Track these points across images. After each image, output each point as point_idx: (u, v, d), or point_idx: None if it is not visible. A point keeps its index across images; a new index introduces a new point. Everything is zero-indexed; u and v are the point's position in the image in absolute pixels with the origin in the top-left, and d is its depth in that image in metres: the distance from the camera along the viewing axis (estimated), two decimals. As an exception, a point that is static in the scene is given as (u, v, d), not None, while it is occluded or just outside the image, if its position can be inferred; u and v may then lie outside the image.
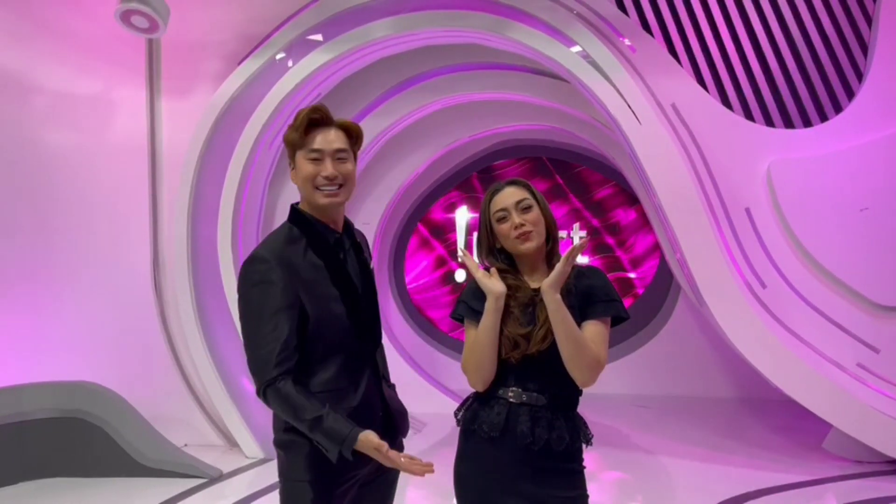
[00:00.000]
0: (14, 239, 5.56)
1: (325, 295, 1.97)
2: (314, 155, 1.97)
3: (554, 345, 1.91)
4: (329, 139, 1.98)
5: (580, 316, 1.97)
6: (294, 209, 2.05)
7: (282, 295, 1.90)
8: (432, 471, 1.80)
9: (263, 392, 1.89)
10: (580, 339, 1.90)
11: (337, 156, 1.98)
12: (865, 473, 4.94)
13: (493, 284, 1.97)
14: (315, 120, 1.98)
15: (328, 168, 1.96)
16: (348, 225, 2.14)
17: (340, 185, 1.99)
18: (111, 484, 4.85)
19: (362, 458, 1.96)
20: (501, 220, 2.04)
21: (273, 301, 1.90)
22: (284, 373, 1.87)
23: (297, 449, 1.96)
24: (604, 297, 1.99)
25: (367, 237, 2.37)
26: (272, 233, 2.07)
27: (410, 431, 2.21)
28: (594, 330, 1.96)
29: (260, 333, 1.90)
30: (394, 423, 2.06)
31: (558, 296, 1.89)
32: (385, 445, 1.81)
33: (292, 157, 2.01)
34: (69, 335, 5.69)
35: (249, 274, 1.95)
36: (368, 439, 1.81)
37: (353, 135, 2.04)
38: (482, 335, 1.97)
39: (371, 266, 2.15)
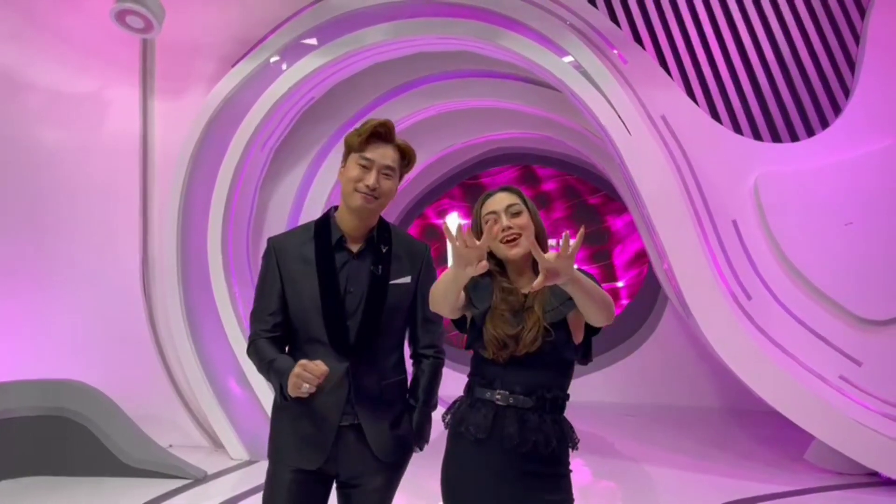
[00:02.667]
0: (4, 236, 5.54)
1: (305, 288, 2.11)
2: (365, 163, 2.12)
3: (541, 348, 1.93)
4: (384, 154, 2.13)
5: (567, 305, 1.97)
6: (328, 210, 2.24)
7: (271, 278, 2.17)
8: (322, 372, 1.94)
9: (248, 349, 2.20)
10: (600, 293, 1.87)
11: (384, 171, 2.13)
12: (846, 485, 4.98)
13: (470, 268, 1.83)
14: (378, 133, 2.13)
15: (372, 178, 2.10)
16: (380, 235, 2.18)
17: (376, 197, 2.11)
18: (95, 483, 4.83)
19: (308, 453, 2.07)
20: (490, 223, 2.06)
21: (264, 280, 2.19)
22: (263, 337, 2.15)
23: (271, 432, 2.20)
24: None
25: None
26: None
27: None
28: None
29: (255, 304, 2.20)
30: (367, 435, 2.09)
31: (574, 272, 1.80)
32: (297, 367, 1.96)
33: (346, 157, 2.18)
34: (56, 333, 5.67)
35: (263, 255, 2.24)
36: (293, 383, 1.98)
37: (407, 158, 2.21)
38: (443, 282, 1.93)
39: (390, 280, 2.14)
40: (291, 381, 1.95)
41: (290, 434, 2.11)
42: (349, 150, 2.16)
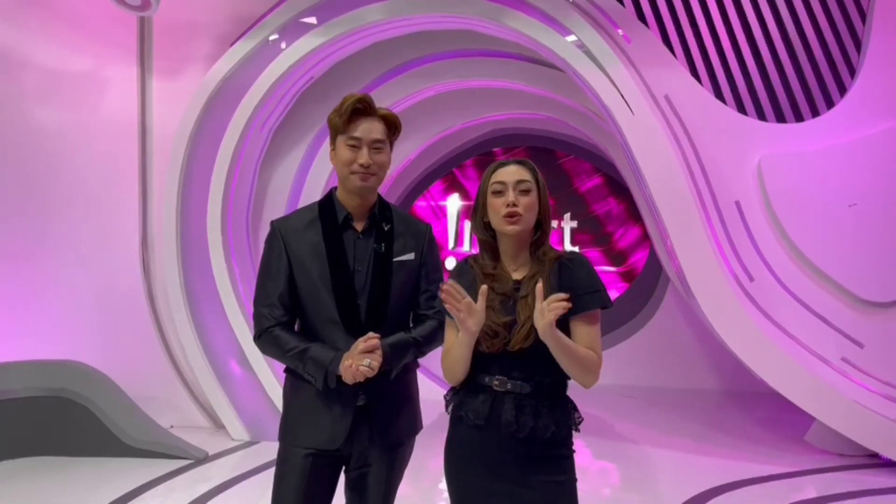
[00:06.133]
0: (2, 217, 5.51)
1: (314, 268, 2.11)
2: (353, 142, 2.11)
3: (536, 340, 1.88)
4: (369, 129, 2.12)
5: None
6: (330, 191, 2.24)
7: (277, 260, 2.14)
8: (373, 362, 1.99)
9: (259, 337, 2.16)
10: (582, 359, 1.89)
11: (374, 146, 2.12)
12: (846, 466, 5.00)
13: (469, 322, 1.87)
14: (359, 109, 2.13)
15: (364, 156, 2.10)
16: (381, 213, 2.20)
17: (373, 174, 2.11)
18: (96, 463, 4.85)
19: (327, 434, 2.09)
20: (497, 192, 2.00)
21: (271, 264, 2.16)
22: (277, 324, 2.12)
23: (284, 413, 2.20)
24: (588, 288, 1.96)
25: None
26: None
27: None
28: (586, 332, 1.94)
29: (260, 289, 2.17)
30: (375, 416, 2.12)
31: (556, 332, 1.82)
32: (348, 360, 2.00)
33: (333, 139, 2.17)
34: (56, 314, 5.66)
35: (266, 239, 2.21)
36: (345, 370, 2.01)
37: (392, 126, 2.19)
38: (455, 355, 1.96)
39: (394, 257, 2.16)
40: (347, 364, 1.98)
41: (306, 415, 2.12)
42: (335, 132, 2.15)
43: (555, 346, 1.84)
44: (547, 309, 1.78)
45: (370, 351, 2.00)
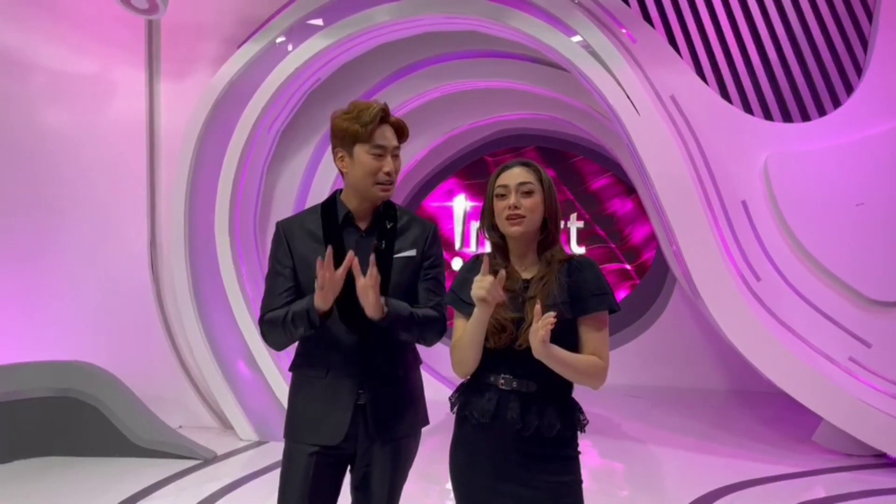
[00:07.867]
0: (9, 218, 5.55)
1: (315, 265, 2.05)
2: (378, 151, 2.10)
3: None
4: (390, 137, 2.14)
5: (572, 311, 1.96)
6: (334, 193, 2.25)
7: (283, 258, 2.18)
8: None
9: (261, 329, 2.19)
10: (583, 370, 1.91)
11: (394, 153, 2.15)
12: (854, 466, 4.98)
13: (480, 292, 1.87)
14: (384, 118, 2.13)
15: (389, 164, 2.12)
16: (386, 212, 2.20)
17: (393, 182, 2.15)
18: (105, 463, 4.88)
19: (327, 430, 2.10)
20: (500, 196, 2.02)
21: (276, 263, 2.20)
22: (275, 308, 2.14)
23: (288, 411, 2.22)
24: (595, 290, 1.97)
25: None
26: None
27: None
28: (593, 336, 1.96)
29: (268, 288, 2.20)
30: (377, 414, 2.11)
31: (550, 349, 1.83)
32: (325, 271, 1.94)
33: (348, 146, 2.12)
34: (64, 314, 5.69)
35: (272, 240, 2.25)
36: (316, 294, 1.98)
37: (404, 134, 2.20)
38: (466, 338, 1.95)
39: (395, 254, 2.15)
40: (317, 293, 1.96)
41: (309, 411, 2.14)
42: (354, 140, 2.10)
43: (553, 364, 1.86)
44: (540, 326, 1.79)
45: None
